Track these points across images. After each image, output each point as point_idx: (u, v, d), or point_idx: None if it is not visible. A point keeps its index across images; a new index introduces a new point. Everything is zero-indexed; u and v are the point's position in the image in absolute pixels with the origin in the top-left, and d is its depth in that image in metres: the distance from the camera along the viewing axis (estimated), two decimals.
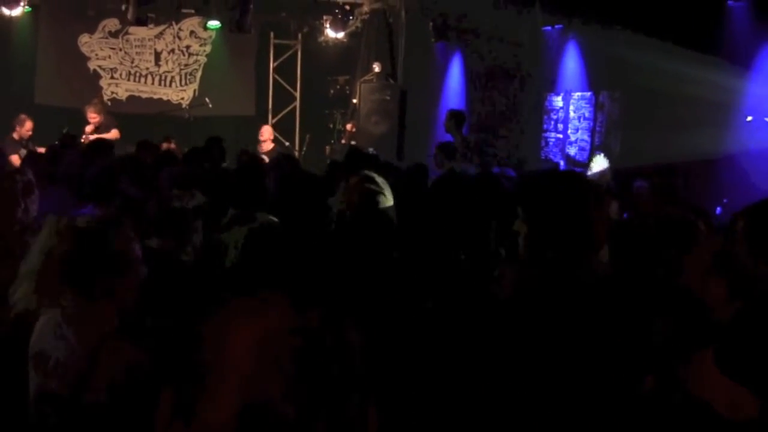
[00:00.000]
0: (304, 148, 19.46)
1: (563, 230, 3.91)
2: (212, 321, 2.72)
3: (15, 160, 12.28)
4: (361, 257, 4.91)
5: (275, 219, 4.75)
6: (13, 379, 3.94)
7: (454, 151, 12.51)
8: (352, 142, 17.47)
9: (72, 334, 3.71)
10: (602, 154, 12.21)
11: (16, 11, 17.14)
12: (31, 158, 9.54)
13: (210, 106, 18.33)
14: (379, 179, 5.88)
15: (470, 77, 18.01)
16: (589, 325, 3.65)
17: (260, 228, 4.23)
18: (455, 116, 13.98)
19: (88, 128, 15.44)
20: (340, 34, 19.23)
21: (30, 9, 17.77)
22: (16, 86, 18.59)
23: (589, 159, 14.91)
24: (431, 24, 17.16)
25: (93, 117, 15.57)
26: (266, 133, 17.01)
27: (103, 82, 19.68)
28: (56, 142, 13.18)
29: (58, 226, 3.81)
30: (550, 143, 16.23)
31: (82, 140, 14.78)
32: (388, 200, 5.78)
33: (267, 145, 16.61)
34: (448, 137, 13.80)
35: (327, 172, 10.45)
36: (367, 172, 6.08)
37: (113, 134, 15.27)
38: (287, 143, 20.00)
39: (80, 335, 3.70)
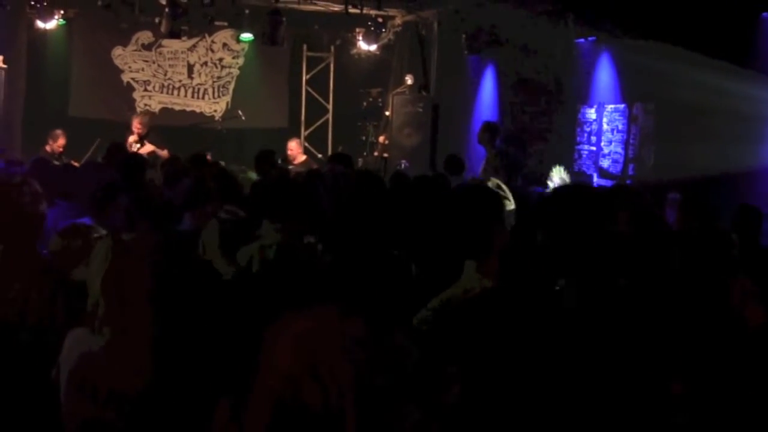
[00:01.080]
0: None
1: (577, 249, 3.98)
2: (267, 332, 2.77)
3: None
4: None
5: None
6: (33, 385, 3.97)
7: (457, 166, 12.59)
8: (385, 155, 17.78)
9: (130, 363, 3.64)
10: (562, 167, 12.10)
11: (51, 24, 17.33)
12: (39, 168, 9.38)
13: (243, 118, 18.47)
14: (504, 186, 6.10)
15: (503, 89, 17.94)
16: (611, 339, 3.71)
17: (293, 244, 4.22)
18: (490, 129, 14.06)
19: (132, 138, 15.41)
20: (373, 47, 19.26)
21: (64, 22, 17.93)
22: (51, 98, 18.73)
23: (623, 171, 14.93)
24: (464, 36, 17.04)
25: (137, 127, 15.58)
26: (293, 147, 16.73)
27: (136, 95, 19.77)
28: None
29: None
30: (584, 155, 16.17)
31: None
32: (510, 205, 5.94)
33: (298, 159, 16.42)
34: (481, 149, 14.02)
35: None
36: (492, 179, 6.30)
37: (164, 154, 15.13)
38: (320, 155, 19.90)
39: (138, 363, 3.63)
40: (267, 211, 6.34)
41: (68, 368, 3.78)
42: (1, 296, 4.61)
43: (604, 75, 15.71)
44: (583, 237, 4.02)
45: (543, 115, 17.03)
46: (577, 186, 4.54)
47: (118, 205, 6.65)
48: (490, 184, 6.05)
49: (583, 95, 16.30)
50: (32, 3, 16.76)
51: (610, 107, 15.53)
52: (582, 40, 15.86)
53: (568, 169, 15.49)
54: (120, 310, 3.66)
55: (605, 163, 15.48)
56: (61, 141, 15.78)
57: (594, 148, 15.93)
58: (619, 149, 15.23)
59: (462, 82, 18.87)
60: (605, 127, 15.59)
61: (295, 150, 16.58)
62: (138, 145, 15.16)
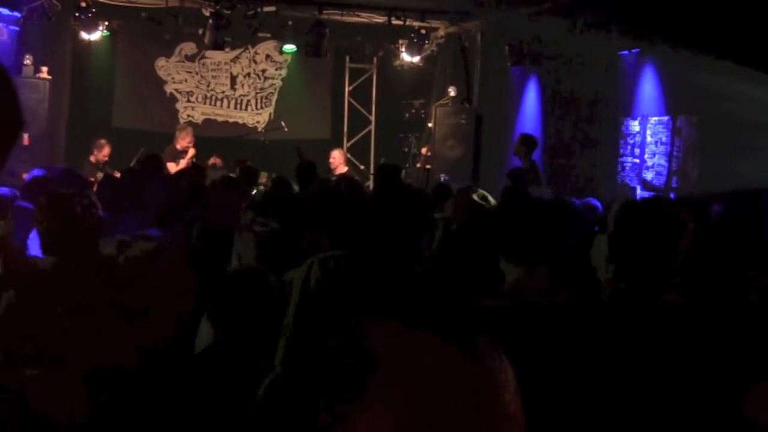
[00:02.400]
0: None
1: (641, 260, 4.07)
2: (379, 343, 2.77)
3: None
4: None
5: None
6: None
7: (522, 177, 12.57)
8: (428, 166, 17.82)
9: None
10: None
11: (95, 35, 17.42)
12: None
13: (286, 129, 18.45)
14: (489, 196, 6.37)
15: (546, 101, 17.87)
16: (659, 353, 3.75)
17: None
18: (527, 141, 14.24)
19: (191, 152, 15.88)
20: (416, 58, 19.16)
21: (108, 33, 18.06)
22: (94, 109, 18.91)
23: (666, 184, 14.85)
24: (507, 48, 17.06)
25: (186, 143, 16.03)
26: (337, 157, 16.97)
27: (179, 106, 19.89)
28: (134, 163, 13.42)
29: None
30: (627, 168, 16.11)
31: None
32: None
33: (340, 169, 16.61)
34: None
35: (434, 191, 10.77)
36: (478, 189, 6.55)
37: None
38: (362, 167, 20.10)
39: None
40: (314, 222, 6.45)
41: None
42: (53, 306, 4.62)
43: (648, 87, 15.62)
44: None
45: (586, 127, 16.87)
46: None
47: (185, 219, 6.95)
48: (475, 196, 6.16)
49: (627, 107, 16.20)
50: (77, 14, 16.79)
51: (653, 119, 15.45)
52: (626, 52, 15.78)
53: (610, 181, 15.64)
54: None
55: (649, 176, 15.44)
56: (106, 150, 16.00)
57: (637, 161, 15.86)
58: (663, 162, 15.16)
59: (505, 93, 18.80)
60: (649, 139, 15.52)
61: (337, 160, 16.78)
62: None
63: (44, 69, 16.72)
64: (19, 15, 15.69)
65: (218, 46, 17.89)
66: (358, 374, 2.68)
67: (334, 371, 2.82)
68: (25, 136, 15.65)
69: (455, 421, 2.52)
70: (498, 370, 2.69)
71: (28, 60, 16.55)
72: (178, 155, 15.82)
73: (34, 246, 6.31)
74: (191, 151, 15.96)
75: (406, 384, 2.55)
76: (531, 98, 18.49)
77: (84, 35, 17.47)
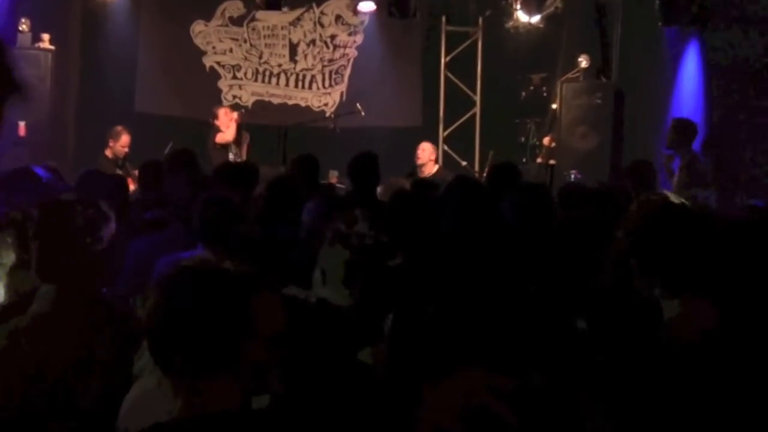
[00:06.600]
0: (486, 170, 17.07)
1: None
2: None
3: None
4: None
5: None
6: None
7: (648, 175, 11.28)
8: (551, 162, 16.72)
9: None
10: None
11: None
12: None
13: (362, 114, 16.64)
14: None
15: (711, 74, 16.06)
16: None
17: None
18: (681, 128, 13.30)
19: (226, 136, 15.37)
20: (535, 18, 17.32)
21: None
22: (111, 89, 17.90)
23: None
24: (658, 3, 15.20)
25: (228, 121, 15.46)
26: (425, 153, 15.91)
27: (222, 84, 18.76)
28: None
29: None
30: None
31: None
32: None
33: (429, 168, 15.68)
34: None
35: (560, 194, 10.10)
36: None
37: None
38: (464, 163, 18.18)
39: None
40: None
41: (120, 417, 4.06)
42: (58, 354, 4.42)
43: None
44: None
45: (761, 106, 15.48)
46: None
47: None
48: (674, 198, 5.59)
49: None
50: None
51: None
52: None
53: None
54: None
55: None
56: (125, 139, 15.08)
57: None
58: None
59: (655, 64, 16.97)
60: None
61: (425, 155, 15.93)
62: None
63: (45, 37, 16.01)
64: None
65: (273, 5, 17.00)
66: None
67: None
68: (21, 125, 15.38)
69: None
70: None
71: (24, 25, 15.82)
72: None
73: None
74: (245, 136, 15.62)
75: None
76: (690, 69, 16.62)
77: None
